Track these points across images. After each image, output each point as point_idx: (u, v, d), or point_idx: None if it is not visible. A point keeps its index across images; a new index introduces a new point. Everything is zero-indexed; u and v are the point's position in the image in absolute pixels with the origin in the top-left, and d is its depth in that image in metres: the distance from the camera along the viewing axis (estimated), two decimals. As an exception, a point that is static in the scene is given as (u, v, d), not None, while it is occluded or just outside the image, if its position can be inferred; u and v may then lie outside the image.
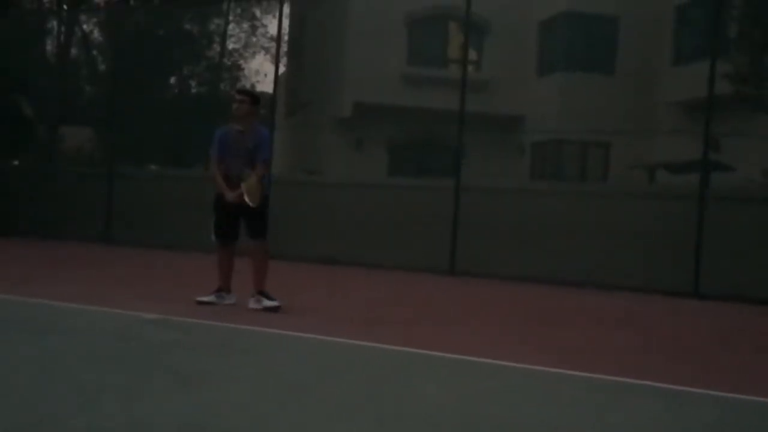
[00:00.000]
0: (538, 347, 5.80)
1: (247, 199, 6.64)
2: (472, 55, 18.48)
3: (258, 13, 19.94)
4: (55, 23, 16.91)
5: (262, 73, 20.01)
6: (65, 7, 18.41)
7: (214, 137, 7.01)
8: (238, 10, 19.63)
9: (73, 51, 17.66)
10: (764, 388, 4.77)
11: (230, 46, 19.64)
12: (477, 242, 11.11)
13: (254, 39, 20.00)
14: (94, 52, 18.34)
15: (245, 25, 19.93)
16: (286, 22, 18.58)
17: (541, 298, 9.37)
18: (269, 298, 6.76)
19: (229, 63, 19.47)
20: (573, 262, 10.67)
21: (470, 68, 17.13)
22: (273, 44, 17.52)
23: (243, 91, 7.36)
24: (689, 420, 3.90)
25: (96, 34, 18.59)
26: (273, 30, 20.25)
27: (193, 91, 18.82)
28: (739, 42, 12.79)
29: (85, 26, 18.11)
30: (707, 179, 10.42)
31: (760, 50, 12.46)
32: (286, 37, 19.58)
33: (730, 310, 8.97)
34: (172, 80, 18.55)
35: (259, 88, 19.84)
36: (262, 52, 20.10)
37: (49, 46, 17.07)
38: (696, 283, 9.90)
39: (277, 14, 13.90)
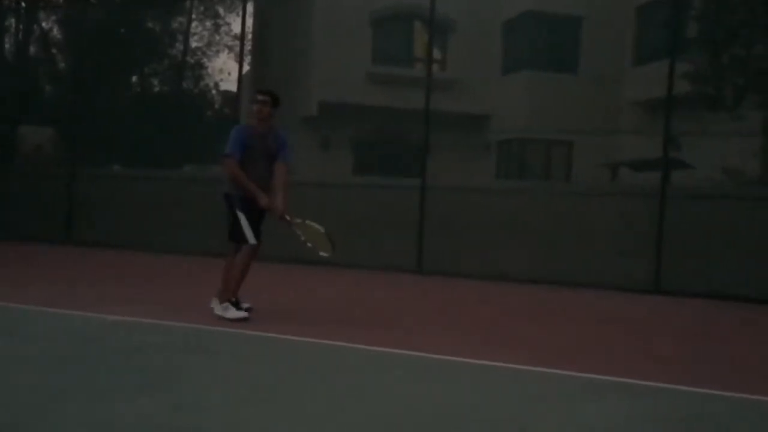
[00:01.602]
0: (505, 345, 5.84)
1: (320, 250, 6.36)
2: (438, 54, 18.57)
3: (221, 11, 19.81)
4: (13, 21, 16.58)
5: (226, 71, 19.89)
6: (23, 4, 18.07)
7: (232, 135, 6.42)
8: (201, 8, 19.48)
9: (32, 49, 17.34)
10: (728, 382, 4.86)
11: (193, 44, 19.49)
12: (443, 241, 11.16)
13: (218, 37, 19.86)
14: (54, 51, 18.04)
15: (208, 24, 19.78)
16: (250, 21, 18.50)
17: (507, 296, 9.44)
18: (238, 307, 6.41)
19: (192, 61, 19.30)
20: (538, 260, 10.77)
21: (435, 67, 17.23)
22: (237, 43, 17.42)
23: (266, 92, 6.71)
24: (659, 415, 3.96)
25: (56, 32, 18.32)
26: (237, 28, 20.17)
27: (156, 89, 18.63)
28: (698, 42, 13.02)
29: (44, 24, 17.81)
30: (668, 177, 10.59)
31: (718, 50, 12.69)
32: (250, 36, 19.45)
33: (692, 306, 9.12)
34: (134, 79, 18.34)
35: (224, 87, 19.76)
36: (226, 51, 19.99)
37: (8, 44, 16.74)
38: (657, 279, 10.06)
39: (241, 12, 13.82)
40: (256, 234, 6.43)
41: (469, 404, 3.96)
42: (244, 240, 6.36)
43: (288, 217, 6.41)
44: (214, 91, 19.88)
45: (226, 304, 6.31)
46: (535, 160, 19.26)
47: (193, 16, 19.33)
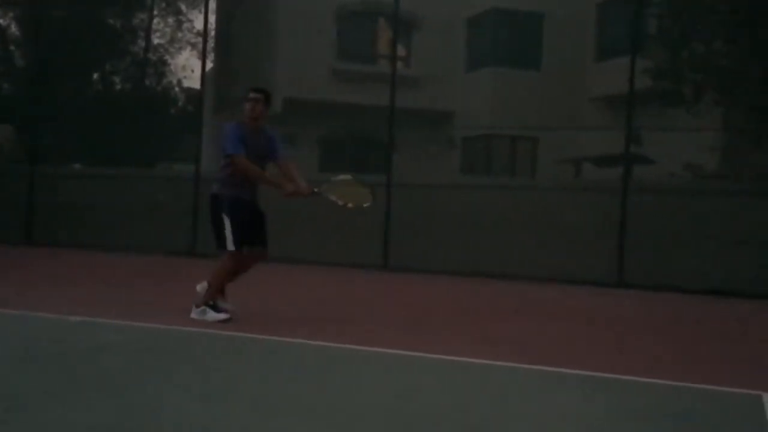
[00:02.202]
0: (470, 340, 5.87)
1: (363, 203, 6.17)
2: (402, 50, 18.58)
3: (183, 7, 19.56)
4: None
5: (189, 68, 19.63)
6: (-21, 0, 17.71)
7: (231, 133, 6.16)
8: (163, 5, 19.23)
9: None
10: (690, 373, 4.94)
11: (155, 41, 19.22)
12: (409, 237, 11.18)
13: (180, 34, 19.61)
14: (12, 48, 17.69)
15: (170, 20, 19.52)
16: (212, 17, 18.30)
17: (473, 291, 9.50)
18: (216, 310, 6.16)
19: (155, 59, 19.04)
20: (504, 255, 10.85)
21: (400, 64, 17.24)
22: (200, 39, 17.20)
23: (259, 89, 6.38)
24: (615, 407, 4.01)
25: (14, 28, 17.95)
26: (199, 25, 19.89)
27: (118, 87, 18.36)
28: (658, 38, 13.20)
29: (2, 20, 17.44)
30: (629, 172, 10.74)
31: (677, 46, 12.88)
32: (213, 33, 19.26)
33: (654, 299, 9.27)
34: (95, 76, 18.06)
35: (187, 84, 19.54)
36: (189, 48, 19.73)
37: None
38: (620, 273, 10.20)
39: (204, 8, 13.67)
40: (253, 239, 6.21)
41: (435, 400, 3.98)
42: (225, 246, 6.13)
43: (316, 190, 6.23)
44: (177, 89, 19.65)
45: (203, 307, 6.10)
46: (500, 156, 19.39)
47: (155, 12, 19.08)
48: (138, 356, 4.84)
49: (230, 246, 6.09)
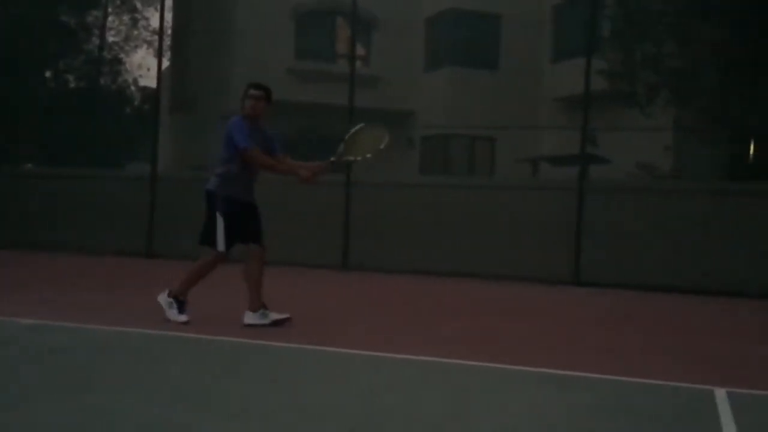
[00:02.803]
0: (429, 339, 5.89)
1: (380, 146, 5.98)
2: (361, 50, 18.58)
3: (139, 5, 19.27)
4: None
5: (144, 67, 19.35)
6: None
7: (240, 128, 5.94)
8: (118, 2, 18.93)
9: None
10: (643, 369, 5.02)
11: (110, 39, 18.92)
12: (369, 237, 11.18)
13: (136, 32, 19.32)
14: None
15: (126, 18, 19.21)
16: (169, 15, 18.07)
17: (432, 290, 9.53)
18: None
19: (110, 57, 18.74)
20: (462, 254, 10.91)
21: (359, 63, 17.24)
22: (156, 37, 16.99)
23: (261, 86, 6.15)
24: (570, 403, 4.06)
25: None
26: (155, 22, 19.67)
27: (72, 85, 18.02)
28: (613, 40, 13.42)
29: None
30: (585, 171, 10.89)
31: (631, 48, 13.11)
32: (169, 30, 19.04)
33: (609, 297, 9.41)
34: (48, 74, 17.70)
35: (142, 83, 19.26)
36: (145, 46, 19.45)
37: None
38: (576, 271, 10.34)
39: (160, 6, 13.48)
40: (245, 238, 6.01)
41: (389, 399, 3.98)
42: (214, 244, 5.97)
43: (332, 159, 6.13)
44: (132, 87, 19.35)
45: (171, 300, 6.00)
46: (459, 155, 19.52)
47: (110, 9, 18.77)
48: (89, 359, 4.76)
49: (220, 247, 5.98)
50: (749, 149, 13.98)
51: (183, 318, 5.96)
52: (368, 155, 6.11)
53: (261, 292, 6.07)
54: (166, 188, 12.35)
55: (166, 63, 17.08)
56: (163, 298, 6.09)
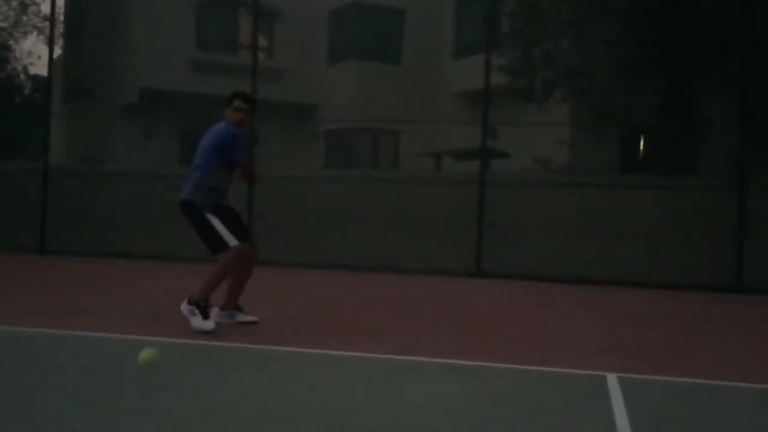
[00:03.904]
0: (328, 331, 5.90)
1: None
2: (264, 42, 18.36)
3: (28, -11, 18.36)
4: None
5: (35, 55, 18.42)
6: None
7: (232, 140, 5.71)
8: (5, -14, 17.99)
9: None
10: (541, 358, 5.20)
11: (-3, 24, 17.97)
12: (273, 231, 11.08)
13: (25, 18, 18.40)
14: None
15: (14, 2, 18.28)
16: (61, 1, 17.32)
17: (333, 284, 9.55)
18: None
19: (-4, 43, 17.81)
20: (367, 248, 10.99)
21: (261, 55, 17.02)
22: (47, 24, 16.24)
23: (250, 99, 5.93)
24: (470, 391, 4.16)
25: None
26: (46, 8, 18.79)
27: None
28: (511, 37, 13.78)
29: None
30: (486, 165, 11.16)
31: (529, 44, 13.49)
32: (61, 17, 18.23)
33: (509, 288, 9.68)
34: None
35: (33, 71, 18.40)
36: (35, 33, 18.55)
37: None
38: (478, 263, 10.59)
39: (51, -8, 12.89)
40: (243, 234, 5.71)
41: (291, 392, 3.98)
42: (225, 245, 5.62)
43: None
44: (22, 76, 18.45)
45: (193, 307, 5.48)
46: (363, 149, 19.60)
47: (-4, -7, 17.83)
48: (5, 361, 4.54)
49: (232, 241, 5.59)
50: (639, 145, 14.67)
51: (209, 325, 5.43)
52: None
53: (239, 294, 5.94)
54: (59, 182, 11.89)
55: (58, 51, 16.38)
56: (184, 307, 5.58)
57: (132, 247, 11.38)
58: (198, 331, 5.41)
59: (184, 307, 5.58)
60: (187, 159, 17.67)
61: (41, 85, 16.11)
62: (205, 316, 5.46)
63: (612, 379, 4.46)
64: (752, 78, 10.19)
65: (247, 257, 5.80)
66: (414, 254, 10.81)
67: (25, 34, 18.45)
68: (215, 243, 5.69)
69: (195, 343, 5.22)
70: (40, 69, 17.63)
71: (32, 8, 18.42)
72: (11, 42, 18.23)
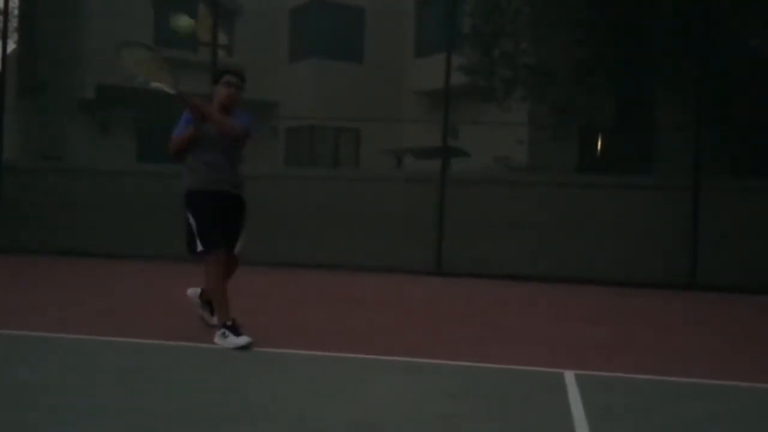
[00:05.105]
0: (287, 331, 5.88)
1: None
2: (224, 39, 18.19)
3: (-20, -17, 17.90)
4: None
5: (-12, 49, 17.98)
6: None
7: (182, 119, 5.45)
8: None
9: None
10: (498, 354, 5.23)
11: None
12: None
13: (-23, 12, 17.94)
14: None
15: (-35, -4, 17.81)
16: (15, -5, 16.97)
17: (290, 282, 9.50)
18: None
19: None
20: (327, 246, 10.96)
21: (221, 52, 16.86)
22: (0, 18, 15.86)
23: (239, 73, 5.59)
24: (427, 389, 4.17)
25: None
26: (0, 2, 18.36)
27: None
28: (472, 37, 13.87)
29: None
30: (447, 164, 11.21)
31: (489, 45, 13.59)
32: (15, 11, 17.86)
33: (468, 286, 9.74)
34: None
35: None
36: (-12, 27, 18.10)
37: None
38: (438, 262, 10.63)
39: (4, -14, 12.62)
40: (223, 237, 5.40)
41: (252, 390, 3.95)
42: (196, 250, 5.29)
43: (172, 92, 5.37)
44: (-25, 70, 17.98)
45: (223, 330, 5.09)
46: (324, 147, 19.55)
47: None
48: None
49: (200, 246, 5.29)
50: (596, 144, 14.88)
51: (244, 340, 5.02)
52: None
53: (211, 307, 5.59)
54: (12, 178, 11.64)
55: (12, 45, 16.03)
56: (217, 338, 5.12)
57: (88, 245, 11.18)
58: (238, 347, 5.03)
59: (217, 338, 5.15)
60: (144, 155, 17.46)
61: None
62: (237, 333, 5.11)
63: (569, 376, 4.51)
64: (706, 79, 10.40)
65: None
66: (374, 252, 10.81)
67: (-23, 28, 18.01)
68: (191, 245, 5.45)
69: (149, 343, 5.15)
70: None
71: (-15, 2, 17.99)
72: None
